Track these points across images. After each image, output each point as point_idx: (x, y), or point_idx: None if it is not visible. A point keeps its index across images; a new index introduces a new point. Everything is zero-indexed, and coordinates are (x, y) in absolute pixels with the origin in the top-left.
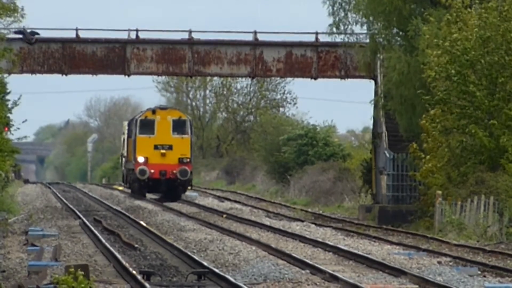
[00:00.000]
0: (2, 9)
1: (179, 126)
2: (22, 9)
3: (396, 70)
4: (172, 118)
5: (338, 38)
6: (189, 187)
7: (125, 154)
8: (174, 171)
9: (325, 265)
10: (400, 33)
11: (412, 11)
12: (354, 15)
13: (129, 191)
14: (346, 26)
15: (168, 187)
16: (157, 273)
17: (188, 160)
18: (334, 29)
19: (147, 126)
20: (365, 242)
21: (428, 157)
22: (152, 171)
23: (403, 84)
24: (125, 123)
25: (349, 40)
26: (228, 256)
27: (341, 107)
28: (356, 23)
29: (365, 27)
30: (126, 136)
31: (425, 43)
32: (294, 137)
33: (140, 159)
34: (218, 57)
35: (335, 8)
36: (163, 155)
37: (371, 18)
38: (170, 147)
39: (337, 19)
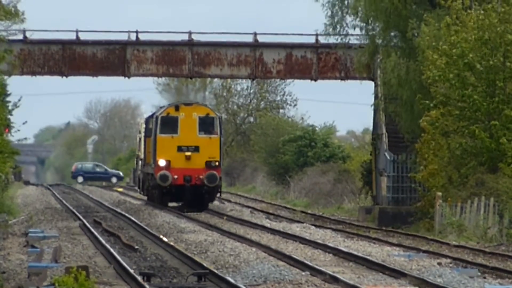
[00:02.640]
0: (2, 12)
1: (206, 124)
2: (23, 13)
3: (394, 74)
4: (199, 115)
5: (333, 39)
6: (218, 195)
7: (141, 156)
8: (201, 177)
9: (325, 267)
10: (399, 34)
11: (412, 12)
12: (351, 17)
13: (142, 197)
14: (343, 28)
15: (194, 195)
16: (158, 274)
17: (217, 163)
18: (331, 30)
19: (169, 124)
20: (365, 244)
21: (430, 158)
22: (175, 176)
23: (401, 87)
24: (142, 121)
25: (347, 42)
26: (228, 257)
27: (341, 108)
28: (355, 27)
29: (363, 29)
30: (143, 135)
31: (425, 44)
32: (294, 139)
33: (161, 162)
34: (218, 58)
35: (334, 11)
36: (188, 158)
37: (370, 20)
38: (196, 149)
39: (335, 20)
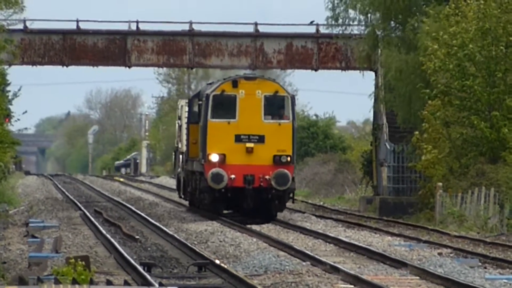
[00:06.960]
0: (2, 1)
1: (274, 106)
2: (22, 2)
3: (394, 68)
4: (264, 93)
5: (335, 31)
6: (291, 201)
7: (183, 148)
8: (267, 177)
9: (326, 257)
10: (398, 26)
11: (411, 4)
12: (353, 10)
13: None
14: (344, 20)
15: (257, 201)
16: (158, 264)
17: (289, 159)
18: (332, 22)
19: (225, 105)
20: (366, 234)
21: (429, 147)
22: (232, 176)
23: (400, 80)
24: (183, 102)
25: (350, 32)
26: (229, 247)
27: (342, 98)
28: (355, 19)
29: (362, 20)
30: (184, 121)
31: (425, 37)
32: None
33: (214, 157)
34: (218, 48)
35: (335, 3)
36: (249, 151)
37: (369, 10)
38: (260, 139)
39: (336, 12)
